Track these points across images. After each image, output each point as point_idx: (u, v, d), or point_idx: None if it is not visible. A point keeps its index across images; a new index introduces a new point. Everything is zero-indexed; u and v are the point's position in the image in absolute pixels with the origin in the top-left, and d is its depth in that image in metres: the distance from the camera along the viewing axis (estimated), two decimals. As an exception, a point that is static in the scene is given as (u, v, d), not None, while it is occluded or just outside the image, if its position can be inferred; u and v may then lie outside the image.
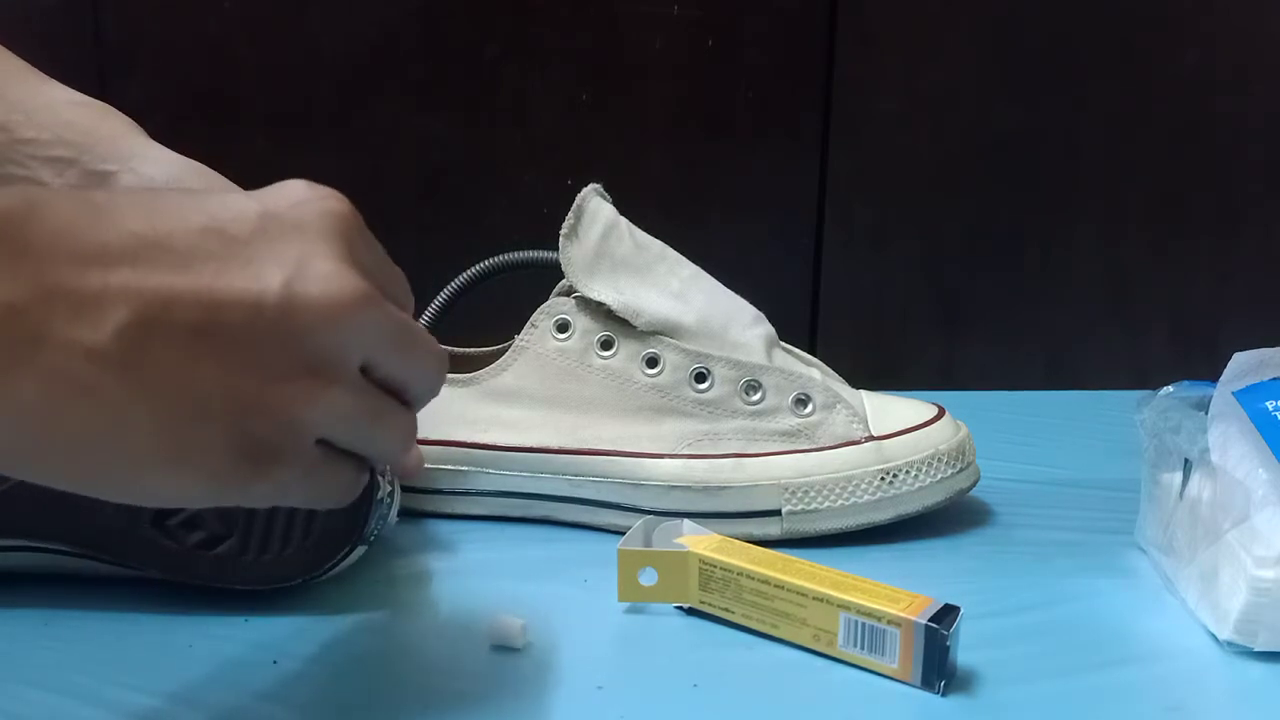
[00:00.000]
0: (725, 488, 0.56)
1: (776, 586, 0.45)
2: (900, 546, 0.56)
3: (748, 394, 0.57)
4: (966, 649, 0.44)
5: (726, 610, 0.47)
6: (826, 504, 0.55)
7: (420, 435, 0.58)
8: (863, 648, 0.44)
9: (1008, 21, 0.85)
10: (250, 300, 0.31)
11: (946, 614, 0.43)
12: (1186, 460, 0.51)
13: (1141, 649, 0.47)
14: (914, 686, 0.43)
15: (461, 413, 0.58)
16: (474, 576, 0.52)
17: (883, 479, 0.56)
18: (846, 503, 0.55)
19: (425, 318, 0.60)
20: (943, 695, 0.42)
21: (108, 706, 0.41)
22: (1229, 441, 0.49)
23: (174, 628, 0.46)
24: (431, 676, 0.44)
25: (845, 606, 0.44)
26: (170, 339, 0.30)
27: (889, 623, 0.43)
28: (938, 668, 0.42)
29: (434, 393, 0.39)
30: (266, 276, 0.31)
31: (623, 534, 0.49)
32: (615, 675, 0.44)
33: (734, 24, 0.83)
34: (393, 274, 0.37)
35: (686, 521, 0.50)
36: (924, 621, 0.42)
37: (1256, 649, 0.46)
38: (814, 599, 0.45)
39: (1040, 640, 0.47)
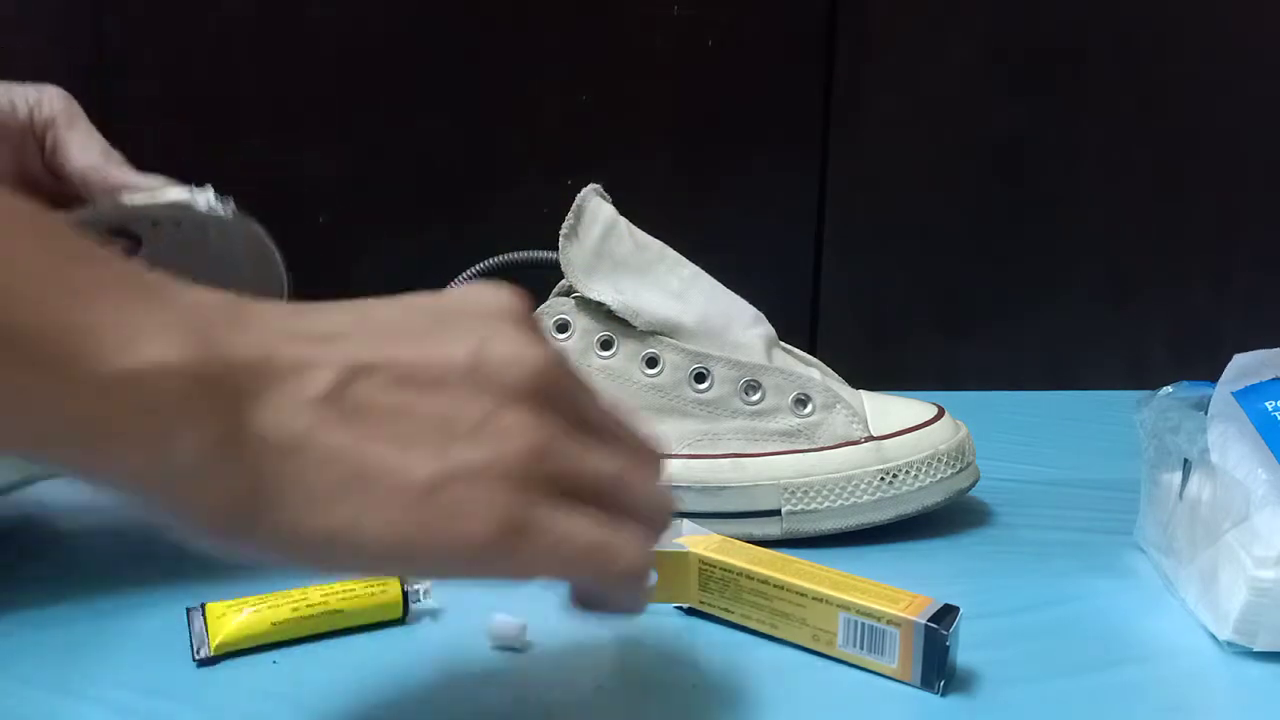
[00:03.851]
0: (725, 488, 0.56)
1: (776, 586, 0.46)
2: (900, 546, 0.56)
3: (747, 394, 0.57)
4: (966, 649, 0.44)
5: (726, 610, 0.47)
6: (826, 504, 0.55)
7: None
8: (862, 648, 0.44)
9: (1007, 22, 0.85)
10: (441, 360, 0.34)
11: (946, 614, 0.43)
12: (1186, 460, 0.51)
13: (1141, 649, 0.47)
14: (913, 686, 0.43)
15: (461, 413, 0.58)
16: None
17: (882, 479, 0.56)
18: (846, 503, 0.55)
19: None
20: (942, 695, 0.42)
21: (108, 706, 0.41)
22: (1229, 442, 0.49)
23: (174, 627, 0.46)
24: (432, 677, 0.44)
25: (845, 606, 0.44)
26: (373, 388, 0.33)
27: (888, 623, 0.43)
28: (937, 668, 0.42)
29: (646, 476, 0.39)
30: (456, 346, 0.34)
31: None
32: (615, 675, 0.44)
33: (734, 24, 0.83)
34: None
35: (686, 522, 0.50)
36: (923, 621, 0.42)
37: (1256, 649, 0.46)
38: (813, 599, 0.45)
39: (1040, 640, 0.47)
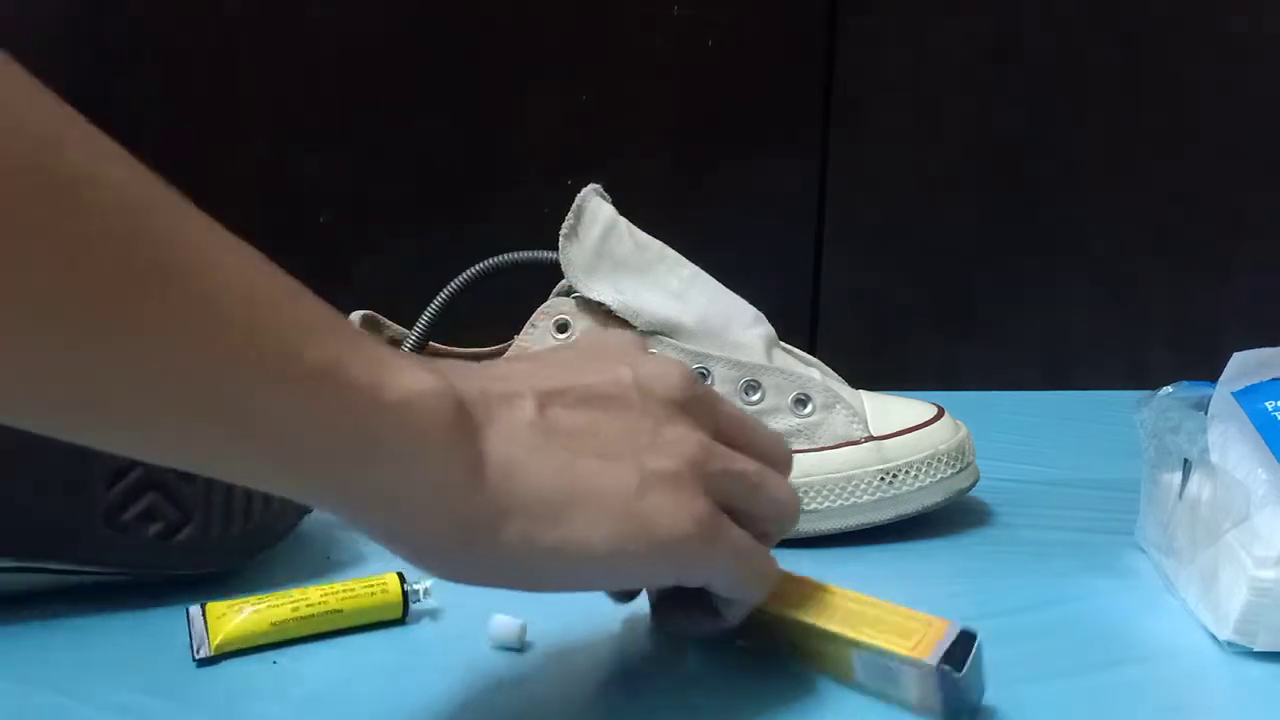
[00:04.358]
0: (725, 488, 0.56)
1: (792, 622, 0.43)
2: (900, 546, 0.56)
3: (747, 394, 0.57)
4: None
5: (745, 645, 0.45)
6: (826, 504, 0.55)
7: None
8: (881, 680, 0.41)
9: (1008, 22, 0.85)
10: (610, 381, 0.39)
11: (961, 646, 0.40)
12: (1186, 460, 0.51)
13: (1141, 649, 0.47)
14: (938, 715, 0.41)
15: (461, 413, 0.58)
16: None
17: (882, 479, 0.56)
18: (846, 503, 0.55)
19: (425, 318, 0.60)
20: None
21: (108, 706, 0.41)
22: (1229, 442, 0.49)
23: (174, 627, 0.46)
24: (432, 677, 0.44)
25: (856, 645, 0.41)
26: (565, 410, 0.37)
27: (900, 663, 0.40)
28: (958, 705, 0.40)
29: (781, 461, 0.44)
30: (614, 370, 0.39)
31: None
32: (615, 675, 0.44)
33: (734, 24, 0.83)
34: None
35: None
36: (934, 663, 0.39)
37: (1256, 649, 0.46)
38: (826, 638, 0.42)
39: (1040, 640, 0.47)
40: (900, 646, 0.40)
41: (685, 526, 0.37)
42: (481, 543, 0.35)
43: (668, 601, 0.45)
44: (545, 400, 0.37)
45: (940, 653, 0.40)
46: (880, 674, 0.41)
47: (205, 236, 0.30)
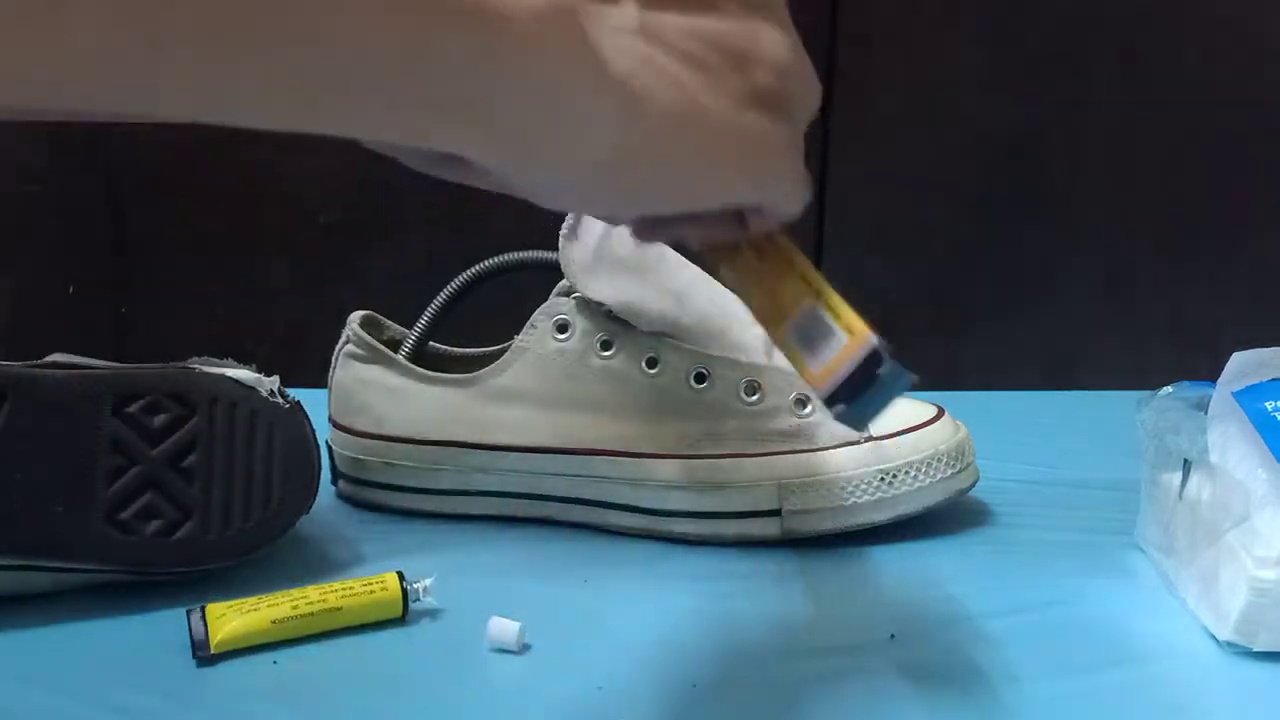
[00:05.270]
0: (725, 488, 0.56)
1: (775, 249, 0.43)
2: (900, 546, 0.56)
3: (747, 394, 0.57)
4: (966, 649, 0.44)
5: (726, 272, 0.44)
6: (826, 504, 0.55)
7: (420, 435, 0.58)
8: (808, 336, 0.41)
9: (1008, 22, 0.85)
10: None
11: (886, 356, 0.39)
12: (1186, 460, 0.51)
13: (1141, 649, 0.47)
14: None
15: (462, 413, 0.58)
16: (474, 576, 0.52)
17: (882, 479, 0.56)
18: (846, 503, 0.55)
19: (425, 318, 0.60)
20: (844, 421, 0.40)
21: (108, 706, 0.41)
22: (1228, 442, 0.49)
23: (174, 627, 0.46)
24: (433, 677, 0.44)
25: (818, 295, 0.41)
26: (666, 7, 0.35)
27: (840, 326, 0.40)
28: (860, 392, 0.39)
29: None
30: None
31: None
32: (615, 675, 0.44)
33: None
34: None
35: None
36: (873, 339, 0.39)
37: (1256, 649, 0.46)
38: (797, 280, 0.42)
39: (1040, 640, 0.47)
40: (849, 319, 0.40)
41: (781, 148, 0.37)
42: (608, 168, 0.34)
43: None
44: (643, 1, 0.35)
45: (884, 345, 0.39)
46: (810, 333, 0.41)
47: None
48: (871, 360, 0.39)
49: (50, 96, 0.26)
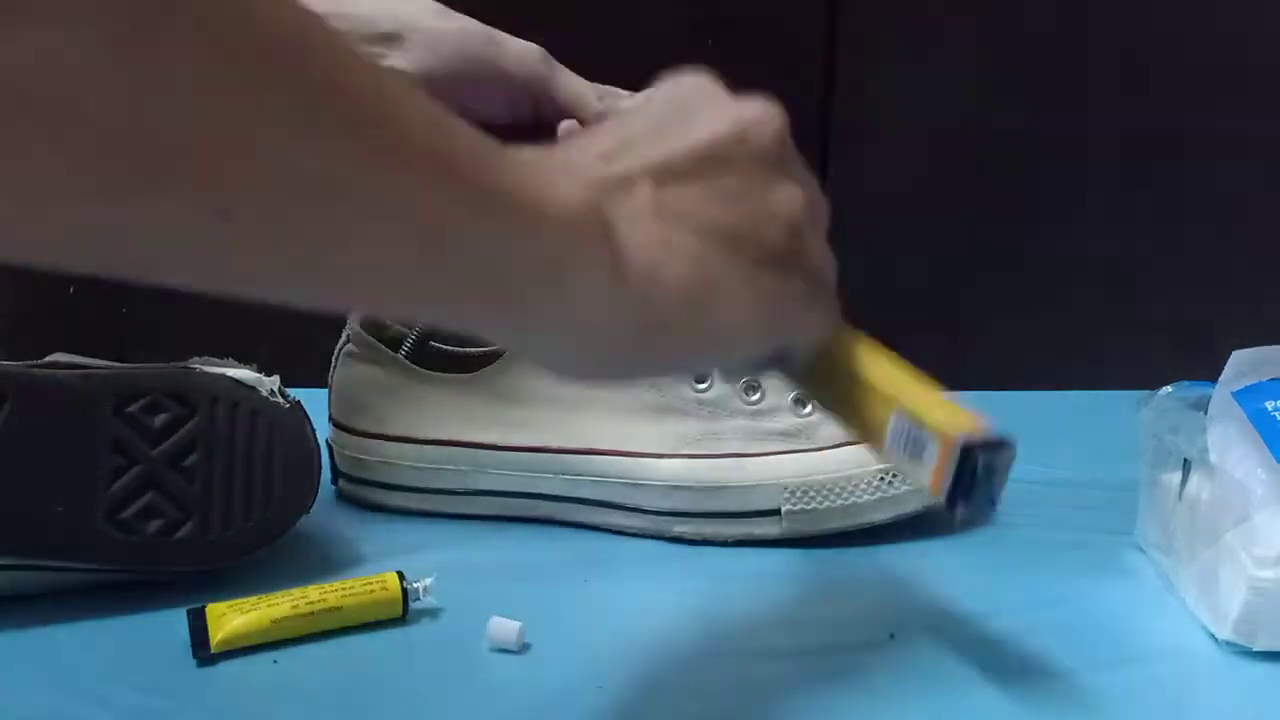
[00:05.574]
0: (725, 488, 0.56)
1: (842, 371, 0.42)
2: (900, 546, 0.56)
3: (747, 394, 0.57)
4: (966, 649, 0.44)
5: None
6: (826, 504, 0.55)
7: (420, 435, 0.58)
8: (907, 449, 0.40)
9: (1008, 23, 0.85)
10: (707, 136, 0.37)
11: (994, 443, 0.38)
12: (1186, 460, 0.51)
13: (1141, 649, 0.47)
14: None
15: (462, 412, 0.58)
16: (474, 576, 0.52)
17: (882, 479, 0.56)
18: (846, 503, 0.55)
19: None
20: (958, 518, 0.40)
21: (108, 706, 0.41)
22: (1228, 442, 0.49)
23: (174, 627, 0.46)
24: (433, 677, 0.44)
25: (897, 407, 0.40)
26: (676, 183, 0.36)
27: (930, 432, 0.39)
28: (967, 494, 0.38)
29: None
30: (713, 121, 0.38)
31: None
32: (615, 675, 0.44)
33: (734, 24, 0.83)
34: None
35: None
36: (960, 439, 0.38)
37: (1256, 649, 0.46)
38: (871, 394, 0.41)
39: (1040, 640, 0.47)
40: (935, 419, 0.39)
41: (797, 299, 0.38)
42: (659, 334, 0.35)
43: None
44: (657, 178, 0.36)
45: (974, 438, 0.38)
46: (907, 442, 0.40)
47: (380, 76, 0.29)
48: (967, 458, 0.38)
49: (120, 268, 0.28)
